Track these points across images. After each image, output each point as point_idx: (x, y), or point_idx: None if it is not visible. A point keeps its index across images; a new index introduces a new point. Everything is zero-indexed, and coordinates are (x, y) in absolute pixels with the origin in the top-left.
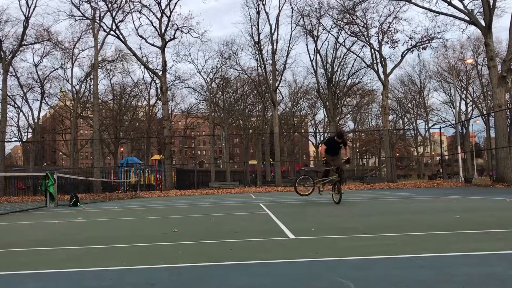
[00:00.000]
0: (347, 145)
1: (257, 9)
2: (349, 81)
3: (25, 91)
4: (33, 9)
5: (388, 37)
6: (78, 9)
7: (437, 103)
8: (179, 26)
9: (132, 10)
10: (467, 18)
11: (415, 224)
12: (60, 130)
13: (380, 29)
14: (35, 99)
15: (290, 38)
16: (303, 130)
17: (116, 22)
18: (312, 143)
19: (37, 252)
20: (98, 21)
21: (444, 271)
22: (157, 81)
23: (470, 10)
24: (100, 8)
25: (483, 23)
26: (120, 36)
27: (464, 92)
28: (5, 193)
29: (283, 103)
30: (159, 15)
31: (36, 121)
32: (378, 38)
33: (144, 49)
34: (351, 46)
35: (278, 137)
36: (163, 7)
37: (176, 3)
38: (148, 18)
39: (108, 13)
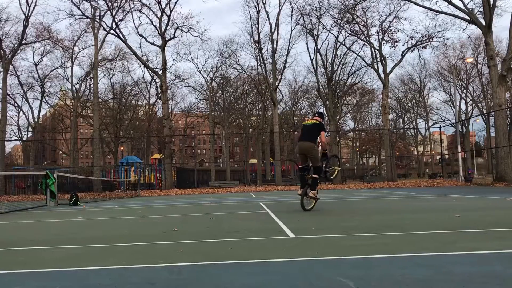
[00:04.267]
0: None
1: (257, 8)
2: (349, 80)
3: (25, 90)
4: (33, 8)
5: (388, 36)
6: (78, 8)
7: (437, 102)
8: (179, 25)
9: (132, 9)
10: (467, 17)
11: (415, 223)
12: (60, 129)
13: (380, 28)
14: (35, 98)
15: (290, 37)
16: None
17: (116, 21)
18: None
19: (37, 251)
20: (98, 20)
21: (444, 270)
22: (157, 80)
23: (470, 9)
24: (100, 7)
25: (483, 22)
26: (120, 35)
27: (464, 91)
28: (5, 192)
29: (283, 102)
30: (159, 14)
31: (36, 120)
32: (378, 37)
33: (144, 48)
34: (352, 45)
35: (278, 136)
36: (163, 6)
37: (176, 2)
38: (148, 17)
39: (108, 12)
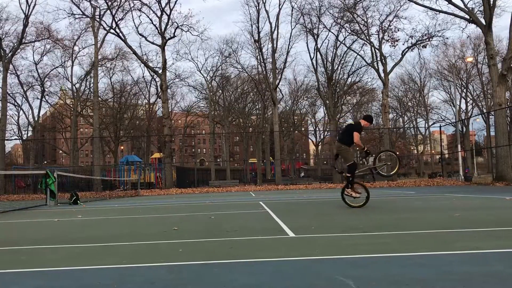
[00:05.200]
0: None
1: (257, 7)
2: (349, 79)
3: (25, 89)
4: (33, 7)
5: (388, 36)
6: (78, 7)
7: (437, 102)
8: (179, 24)
9: (132, 9)
10: (467, 16)
11: (414, 222)
12: (60, 128)
13: (380, 27)
14: (35, 97)
15: (290, 36)
16: (303, 129)
17: (116, 21)
18: (312, 141)
19: (37, 250)
20: (98, 20)
21: (444, 270)
22: (157, 79)
23: (471, 9)
24: (100, 6)
25: (483, 21)
26: (120, 34)
27: (464, 90)
28: (5, 191)
29: (283, 101)
30: (159, 13)
31: (36, 119)
32: (378, 37)
33: (144, 47)
34: (352, 44)
35: (278, 135)
36: (163, 5)
37: (176, 1)
38: (148, 16)
39: (108, 11)
